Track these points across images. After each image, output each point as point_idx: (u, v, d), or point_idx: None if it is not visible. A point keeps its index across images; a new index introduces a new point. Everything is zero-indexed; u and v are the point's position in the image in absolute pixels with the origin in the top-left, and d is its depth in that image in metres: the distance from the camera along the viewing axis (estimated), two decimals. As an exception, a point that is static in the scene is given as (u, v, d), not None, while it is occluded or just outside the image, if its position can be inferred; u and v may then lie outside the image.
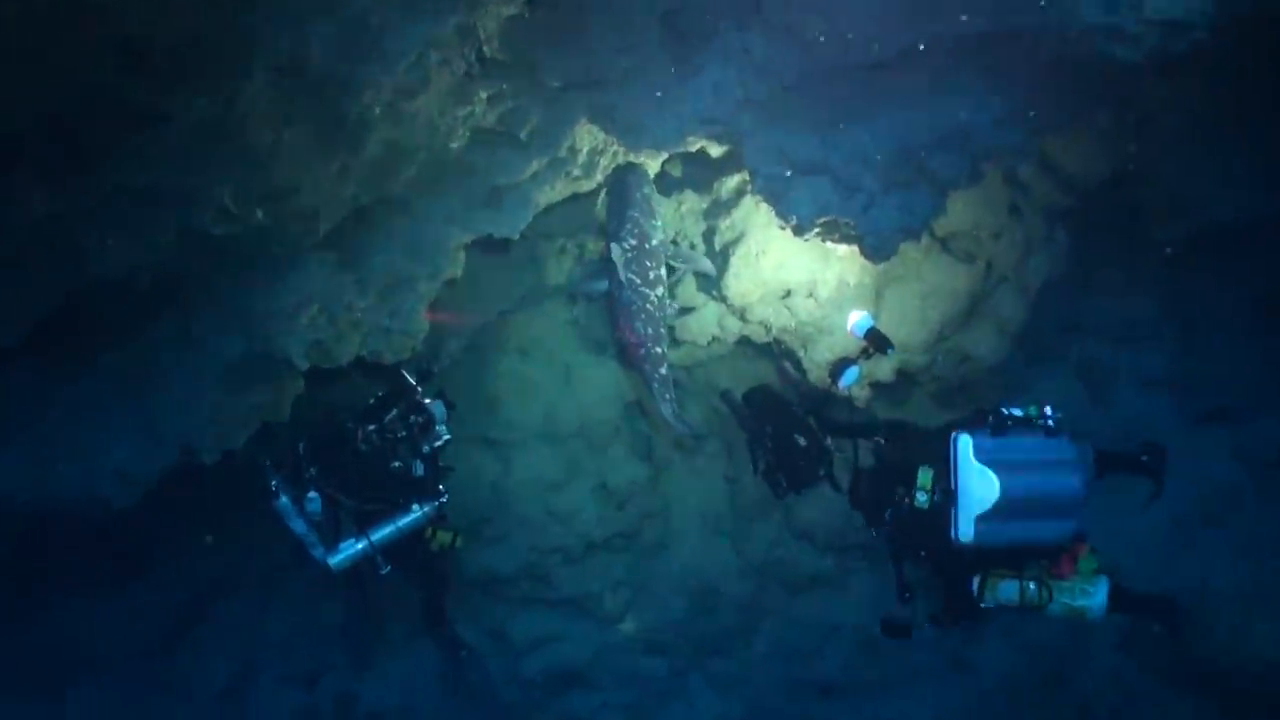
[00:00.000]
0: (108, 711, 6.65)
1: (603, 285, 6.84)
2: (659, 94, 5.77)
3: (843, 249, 6.64)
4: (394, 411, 6.06)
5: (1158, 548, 6.68)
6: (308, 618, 7.33)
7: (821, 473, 5.59)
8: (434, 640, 6.97)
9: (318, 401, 6.17)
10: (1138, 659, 6.58)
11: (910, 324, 7.00)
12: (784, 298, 7.06)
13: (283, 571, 7.21)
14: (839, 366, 5.65)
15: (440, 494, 6.19)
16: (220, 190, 4.53)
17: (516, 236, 6.04)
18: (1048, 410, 4.69)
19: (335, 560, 6.01)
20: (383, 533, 6.05)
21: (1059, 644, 6.87)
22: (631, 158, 6.65)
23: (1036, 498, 4.54)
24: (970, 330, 7.24)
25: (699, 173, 7.32)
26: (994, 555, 4.69)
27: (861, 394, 7.27)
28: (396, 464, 6.11)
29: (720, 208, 7.24)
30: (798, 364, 7.31)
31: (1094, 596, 4.66)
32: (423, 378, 6.23)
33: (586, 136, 6.17)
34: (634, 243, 6.52)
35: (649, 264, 6.58)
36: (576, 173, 6.33)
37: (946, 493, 4.63)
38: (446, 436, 6.22)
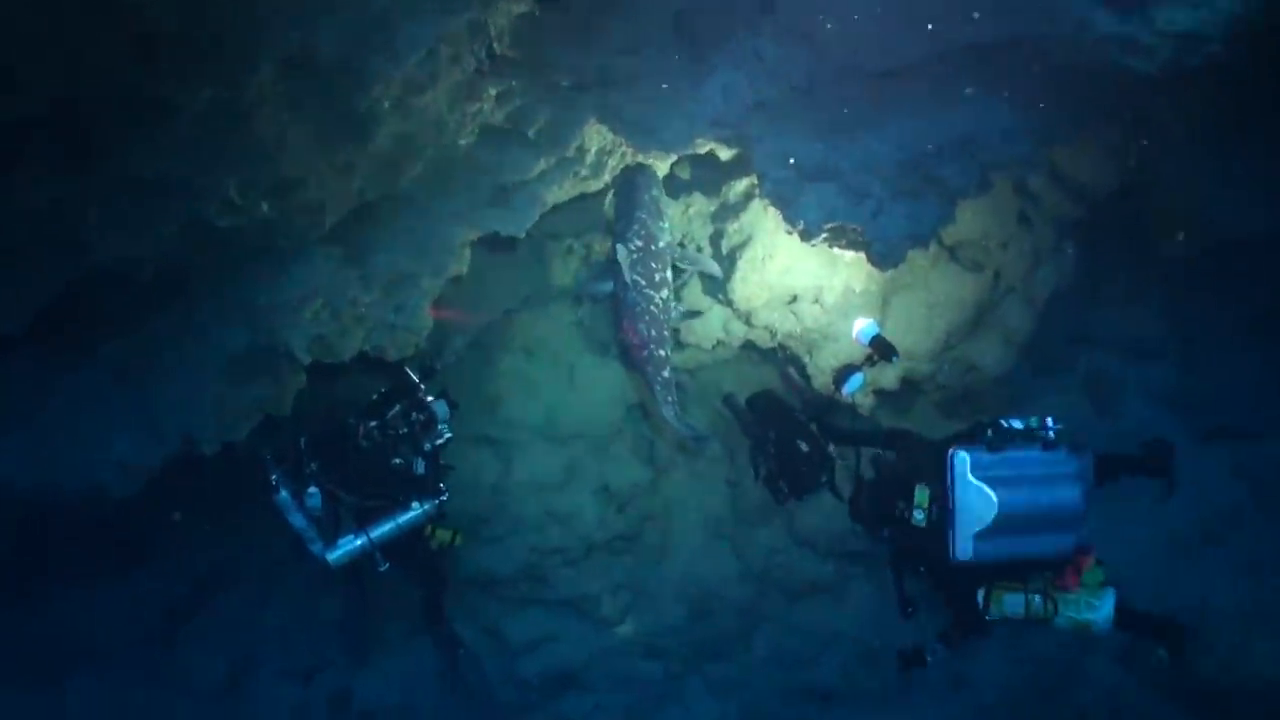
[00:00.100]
0: (107, 701, 6.63)
1: (608, 287, 6.80)
2: (669, 96, 5.76)
3: (850, 255, 6.62)
4: (396, 408, 6.05)
5: (1158, 565, 6.64)
6: (306, 613, 7.31)
7: (823, 480, 5.55)
8: (432, 638, 6.95)
9: (320, 396, 6.16)
10: (1137, 675, 6.53)
11: (916, 332, 6.98)
12: (790, 303, 7.04)
13: (282, 566, 7.21)
14: (843, 373, 5.61)
15: (440, 492, 6.17)
16: (226, 182, 4.52)
17: (523, 235, 6.03)
18: (1049, 422, 4.63)
19: (334, 556, 6.00)
20: (382, 530, 6.03)
21: (1058, 658, 6.83)
22: (640, 159, 6.64)
23: (1035, 513, 4.48)
24: (976, 340, 7.22)
25: (707, 175, 7.30)
26: (994, 570, 4.65)
27: (865, 401, 7.24)
28: (397, 461, 6.09)
29: (728, 211, 7.23)
30: (802, 370, 7.29)
31: (1100, 610, 4.60)
32: (426, 375, 6.22)
33: (595, 136, 6.16)
34: (640, 244, 6.50)
35: (655, 266, 6.56)
36: (584, 172, 6.32)
37: (944, 510, 4.58)
38: (448, 435, 6.21)
